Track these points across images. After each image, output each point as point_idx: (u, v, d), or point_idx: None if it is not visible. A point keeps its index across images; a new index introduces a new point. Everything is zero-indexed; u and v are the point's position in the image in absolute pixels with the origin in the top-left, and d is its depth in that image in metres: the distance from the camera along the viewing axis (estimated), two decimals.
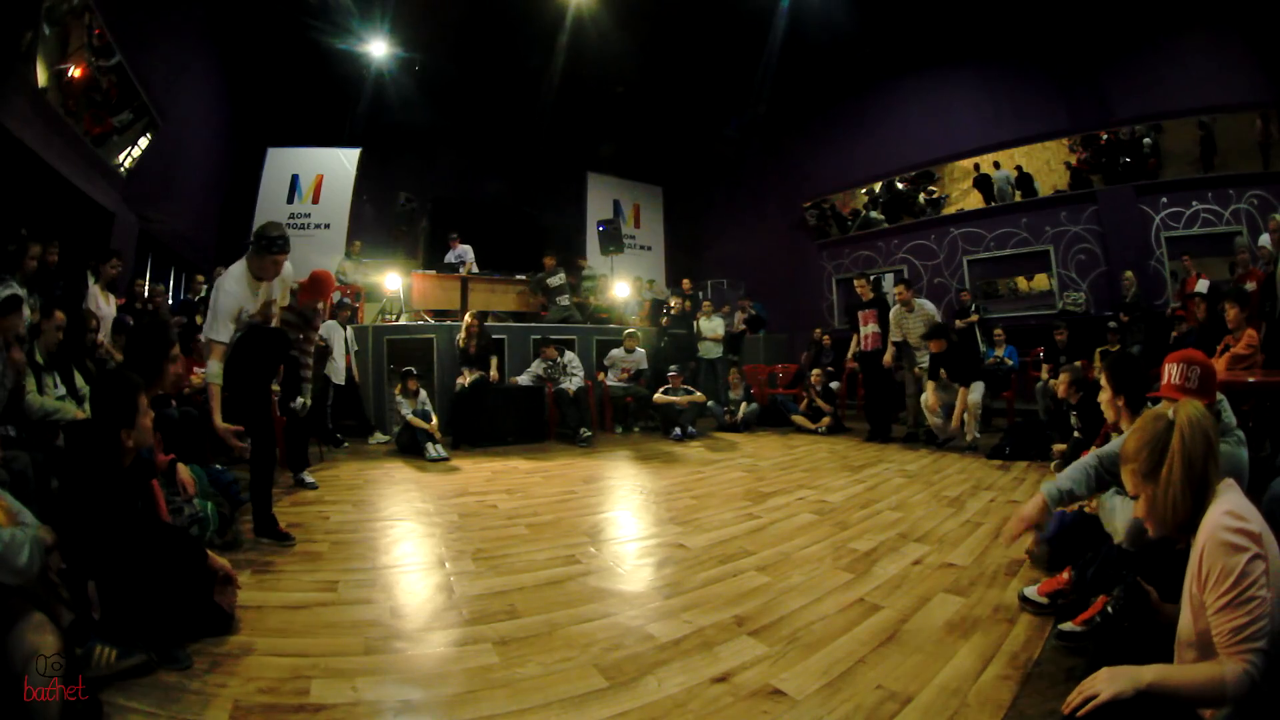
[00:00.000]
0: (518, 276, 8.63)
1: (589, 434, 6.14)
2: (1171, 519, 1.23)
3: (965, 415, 5.39)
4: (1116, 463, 2.12)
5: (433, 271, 8.42)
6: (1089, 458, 2.11)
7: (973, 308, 8.23)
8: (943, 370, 5.54)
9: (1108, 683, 1.11)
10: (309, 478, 4.10)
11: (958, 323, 7.91)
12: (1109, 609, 1.45)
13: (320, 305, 4.05)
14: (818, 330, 9.55)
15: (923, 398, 5.68)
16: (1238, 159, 7.46)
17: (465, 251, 8.69)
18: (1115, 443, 2.18)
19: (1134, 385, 2.27)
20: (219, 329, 2.77)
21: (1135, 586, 1.41)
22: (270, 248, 2.85)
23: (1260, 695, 1.03)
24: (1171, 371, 1.85)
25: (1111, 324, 7.05)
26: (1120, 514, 1.78)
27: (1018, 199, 9.10)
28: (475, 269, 8.53)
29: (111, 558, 1.74)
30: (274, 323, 3.13)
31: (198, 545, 2.04)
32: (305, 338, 3.94)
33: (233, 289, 2.81)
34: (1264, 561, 1.08)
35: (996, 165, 9.30)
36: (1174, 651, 1.24)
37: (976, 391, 5.43)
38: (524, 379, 6.60)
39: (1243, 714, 1.04)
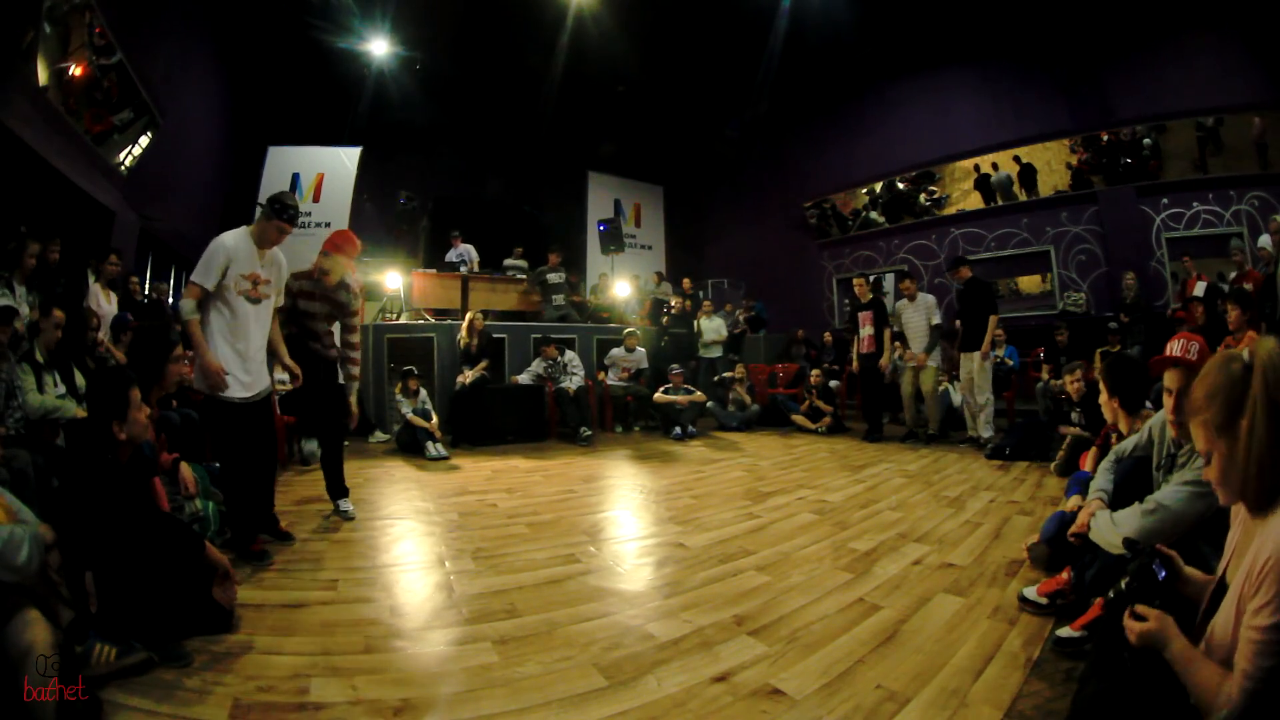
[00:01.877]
0: (518, 276, 8.65)
1: (589, 433, 6.15)
2: (1256, 481, 0.99)
3: (977, 400, 5.54)
4: (1121, 457, 2.14)
5: (433, 270, 8.43)
6: (1105, 461, 2.14)
7: None
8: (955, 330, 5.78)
9: (1158, 622, 1.07)
10: (347, 505, 3.44)
11: (957, 323, 7.93)
12: (1124, 584, 1.25)
13: (349, 274, 3.34)
14: (800, 332, 9.58)
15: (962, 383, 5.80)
16: (1239, 160, 7.46)
17: (467, 251, 8.72)
18: (1126, 442, 2.19)
19: (1129, 387, 2.30)
20: (200, 273, 2.64)
21: (1157, 554, 1.26)
22: (282, 213, 2.75)
23: None
24: (1173, 346, 1.86)
25: (1112, 325, 7.04)
26: (1123, 524, 1.76)
27: (1021, 197, 9.09)
28: (477, 268, 8.56)
29: (108, 550, 1.74)
30: (274, 303, 2.92)
31: (196, 537, 2.04)
32: (347, 325, 3.38)
33: (229, 241, 2.70)
34: None
35: (995, 167, 9.30)
36: (1198, 631, 1.13)
37: (980, 367, 5.58)
38: (524, 378, 6.60)
39: None
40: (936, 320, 5.98)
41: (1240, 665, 0.97)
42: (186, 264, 8.86)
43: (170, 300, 7.12)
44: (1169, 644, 1.07)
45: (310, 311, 3.29)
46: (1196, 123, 7.58)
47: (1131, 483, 2.01)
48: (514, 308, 8.40)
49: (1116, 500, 1.99)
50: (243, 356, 2.72)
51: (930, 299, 6.06)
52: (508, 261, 9.01)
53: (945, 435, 6.03)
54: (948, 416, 6.32)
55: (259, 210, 2.80)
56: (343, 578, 2.42)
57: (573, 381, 6.46)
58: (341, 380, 3.43)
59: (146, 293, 6.45)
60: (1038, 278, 9.07)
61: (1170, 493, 1.72)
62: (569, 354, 6.74)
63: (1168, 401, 1.84)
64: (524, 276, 8.62)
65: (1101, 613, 1.28)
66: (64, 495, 1.90)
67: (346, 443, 5.84)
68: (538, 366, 6.62)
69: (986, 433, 5.52)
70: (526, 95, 10.69)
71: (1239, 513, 1.15)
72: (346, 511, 3.37)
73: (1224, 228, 7.48)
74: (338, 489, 3.43)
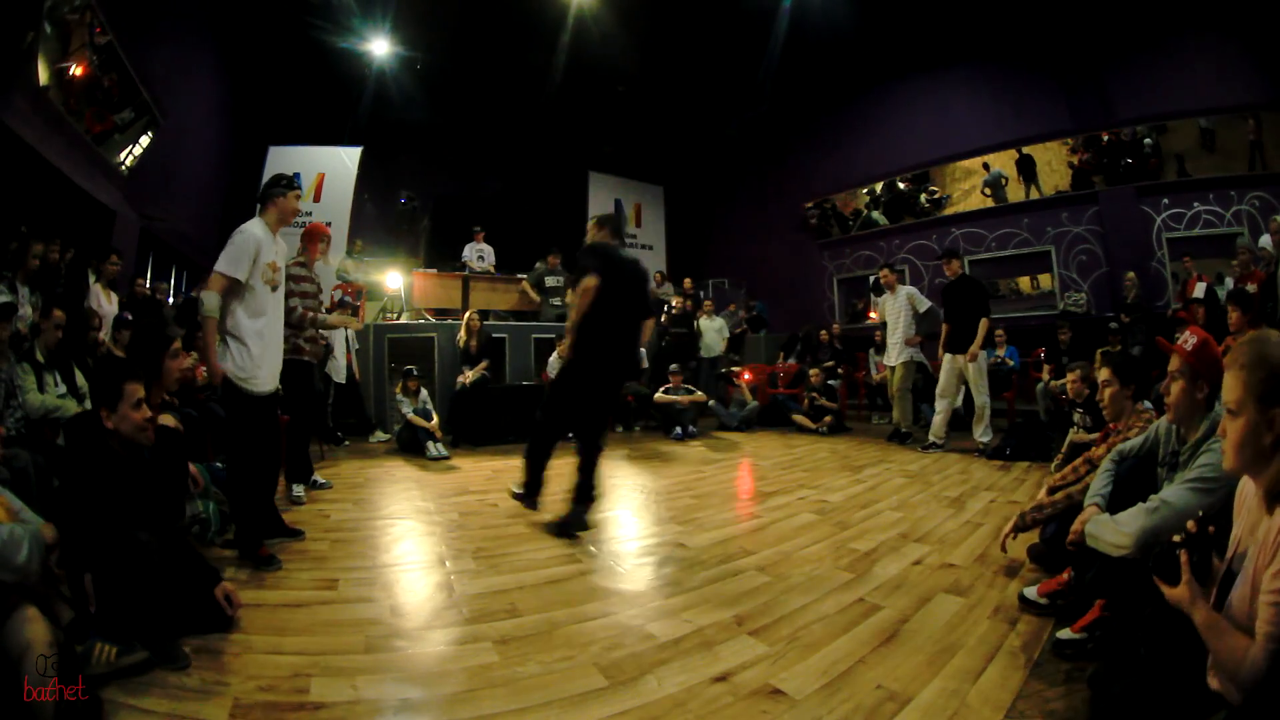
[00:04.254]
0: (518, 275, 8.66)
1: None
2: (1277, 474, 1.02)
3: (976, 407, 5.35)
4: (1125, 455, 2.13)
5: (434, 270, 8.44)
6: (1105, 461, 2.14)
7: None
8: (943, 350, 5.53)
9: (1188, 589, 1.10)
10: (319, 479, 4.04)
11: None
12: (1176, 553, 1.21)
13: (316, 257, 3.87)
14: (823, 334, 9.54)
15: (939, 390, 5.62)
16: (1238, 161, 7.46)
17: (488, 251, 8.69)
18: (1131, 442, 2.19)
19: (1141, 378, 2.35)
20: (229, 263, 2.55)
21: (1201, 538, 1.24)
22: (290, 184, 2.84)
23: (1268, 694, 0.99)
24: (1185, 337, 1.88)
25: (1113, 324, 7.03)
26: (1126, 524, 1.75)
27: (1019, 195, 9.09)
28: (494, 269, 8.58)
29: (104, 550, 1.74)
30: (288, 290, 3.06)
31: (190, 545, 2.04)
32: (319, 301, 3.83)
33: (256, 230, 2.68)
34: None
35: (986, 166, 9.31)
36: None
37: (975, 369, 5.34)
38: (553, 373, 6.55)
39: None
40: (925, 306, 5.88)
41: (1262, 629, 1.00)
42: (187, 264, 8.86)
43: (170, 299, 7.13)
44: (1195, 610, 1.09)
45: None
46: (1199, 128, 7.58)
47: (1133, 482, 2.00)
48: (514, 307, 8.41)
49: (1118, 499, 1.99)
50: (269, 349, 2.71)
51: (912, 289, 6.01)
52: (547, 280, 8.70)
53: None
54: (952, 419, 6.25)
55: (262, 204, 2.83)
56: (343, 577, 2.42)
57: None
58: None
59: (149, 291, 6.45)
60: (1037, 277, 9.07)
61: (1173, 490, 1.72)
62: None
63: (1170, 385, 1.86)
64: (558, 285, 8.47)
65: (1154, 569, 1.24)
66: (63, 492, 1.90)
67: (348, 442, 5.91)
68: (556, 363, 6.62)
69: (985, 437, 5.33)
70: (527, 95, 10.68)
71: (1243, 504, 1.17)
72: (306, 491, 3.71)
73: (1224, 228, 7.48)
74: (301, 472, 3.75)
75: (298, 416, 3.73)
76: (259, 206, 2.83)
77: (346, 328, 3.90)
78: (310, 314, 3.61)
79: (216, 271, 2.55)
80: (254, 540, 2.58)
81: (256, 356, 2.63)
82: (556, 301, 8.08)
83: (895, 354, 5.96)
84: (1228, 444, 1.10)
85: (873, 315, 9.77)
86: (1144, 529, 1.68)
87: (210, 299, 2.53)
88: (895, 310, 5.97)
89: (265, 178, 9.19)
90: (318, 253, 3.83)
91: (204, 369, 4.03)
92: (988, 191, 9.36)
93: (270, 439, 2.83)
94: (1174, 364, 1.85)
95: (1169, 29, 7.77)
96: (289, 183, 2.85)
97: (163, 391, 2.81)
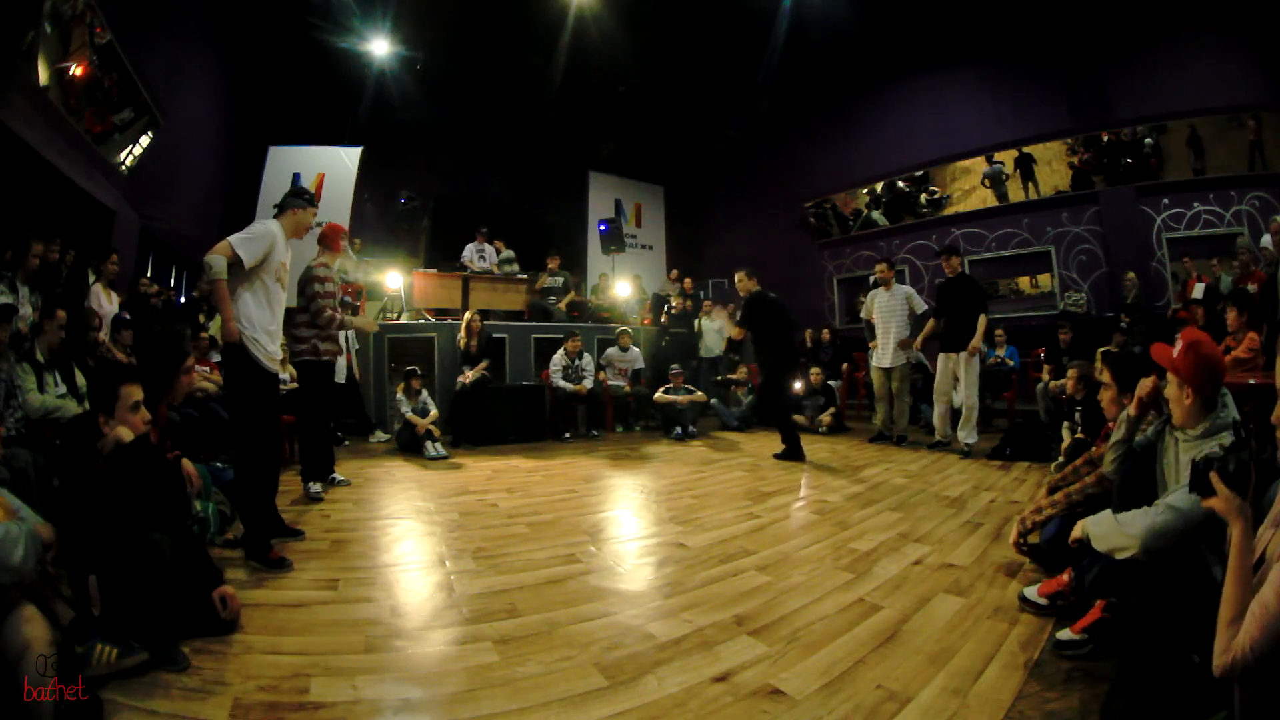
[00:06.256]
0: (519, 276, 8.67)
1: (597, 433, 6.21)
2: None
3: (965, 403, 5.28)
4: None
5: (434, 270, 8.45)
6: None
7: None
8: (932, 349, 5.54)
9: (1231, 501, 1.10)
10: (339, 476, 4.10)
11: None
12: (1222, 462, 1.23)
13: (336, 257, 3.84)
14: (808, 332, 9.59)
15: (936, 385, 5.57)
16: (1237, 161, 7.46)
17: (492, 252, 8.71)
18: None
19: (1136, 381, 2.33)
20: (241, 242, 2.60)
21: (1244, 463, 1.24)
22: (311, 200, 2.95)
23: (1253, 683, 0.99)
24: (1179, 344, 1.87)
25: (1122, 324, 7.02)
26: (1130, 524, 1.74)
27: (1017, 193, 9.09)
28: (497, 269, 8.59)
29: (104, 550, 1.74)
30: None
31: (196, 539, 2.04)
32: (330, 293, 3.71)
33: (274, 228, 2.78)
34: None
35: (988, 160, 9.32)
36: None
37: (969, 369, 5.27)
38: (555, 375, 6.56)
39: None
40: (923, 309, 5.81)
41: (1249, 628, 1.00)
42: (187, 264, 8.86)
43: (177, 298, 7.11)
44: (1235, 522, 1.09)
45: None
46: (1192, 125, 7.58)
47: (1134, 482, 2.00)
48: (515, 308, 8.42)
49: (1120, 498, 1.98)
50: (273, 336, 2.80)
51: (910, 290, 5.94)
52: (540, 282, 8.83)
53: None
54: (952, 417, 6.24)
55: (280, 210, 2.92)
56: (343, 578, 2.42)
57: (585, 383, 6.55)
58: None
59: (157, 293, 6.42)
60: (1037, 277, 9.07)
61: (1178, 495, 1.72)
62: (586, 357, 6.79)
63: (1168, 390, 1.86)
64: (552, 287, 8.54)
65: (1193, 477, 1.28)
66: (63, 492, 1.90)
67: (348, 442, 5.91)
68: (560, 360, 6.61)
69: (970, 439, 5.27)
70: (527, 95, 10.68)
71: None
72: (324, 489, 3.75)
73: (1225, 228, 7.47)
74: (313, 472, 3.78)
75: (317, 413, 3.79)
76: (276, 210, 2.93)
77: (364, 330, 3.99)
78: (339, 315, 3.60)
79: (227, 240, 2.61)
80: (263, 543, 2.57)
81: (261, 336, 2.72)
82: (550, 301, 8.17)
83: (891, 356, 5.83)
84: None
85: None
86: (1149, 530, 1.67)
87: (217, 261, 2.58)
88: (890, 309, 5.86)
89: (265, 178, 9.29)
90: (340, 248, 3.83)
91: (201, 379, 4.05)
92: (987, 183, 9.35)
93: (275, 425, 2.89)
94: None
95: (1169, 29, 7.77)
96: (309, 199, 2.96)
97: (170, 400, 2.81)
